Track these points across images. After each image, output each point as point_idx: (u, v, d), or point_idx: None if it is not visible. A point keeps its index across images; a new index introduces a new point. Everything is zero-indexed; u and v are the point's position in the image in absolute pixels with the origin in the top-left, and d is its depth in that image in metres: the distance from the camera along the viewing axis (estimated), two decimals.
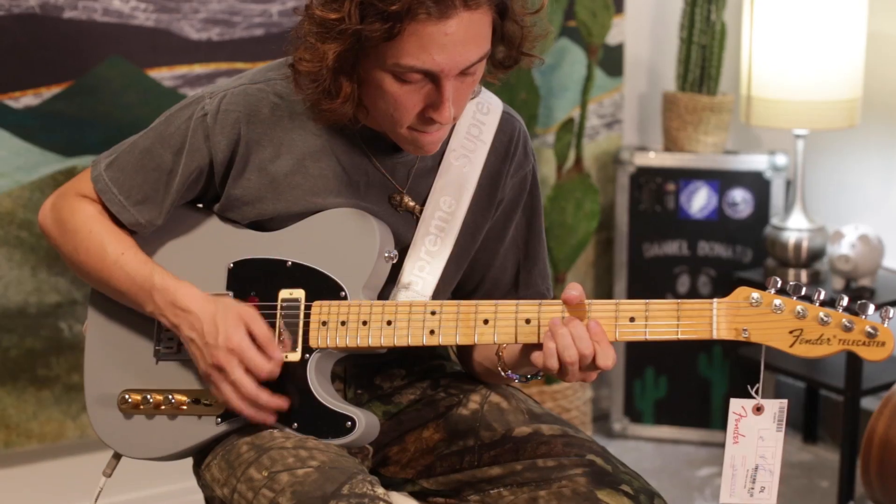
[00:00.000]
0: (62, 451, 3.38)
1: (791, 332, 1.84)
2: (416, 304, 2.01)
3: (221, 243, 2.14)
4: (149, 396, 2.13)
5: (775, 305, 1.85)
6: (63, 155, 3.20)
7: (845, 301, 1.83)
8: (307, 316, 2.05)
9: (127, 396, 2.14)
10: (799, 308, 1.84)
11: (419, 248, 2.12)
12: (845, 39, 3.52)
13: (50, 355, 3.29)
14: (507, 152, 2.19)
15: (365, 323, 2.01)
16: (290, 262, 2.09)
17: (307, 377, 2.03)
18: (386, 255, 2.06)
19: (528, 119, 3.73)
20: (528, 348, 1.97)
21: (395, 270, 2.11)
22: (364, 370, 2.19)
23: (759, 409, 1.94)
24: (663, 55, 4.24)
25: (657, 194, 4.02)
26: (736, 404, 1.95)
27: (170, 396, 2.11)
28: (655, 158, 4.02)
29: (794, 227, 3.70)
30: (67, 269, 3.19)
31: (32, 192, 3.18)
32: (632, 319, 1.91)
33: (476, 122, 2.15)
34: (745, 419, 1.95)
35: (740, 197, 3.96)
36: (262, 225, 2.13)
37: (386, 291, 2.10)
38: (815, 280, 3.71)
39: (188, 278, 2.11)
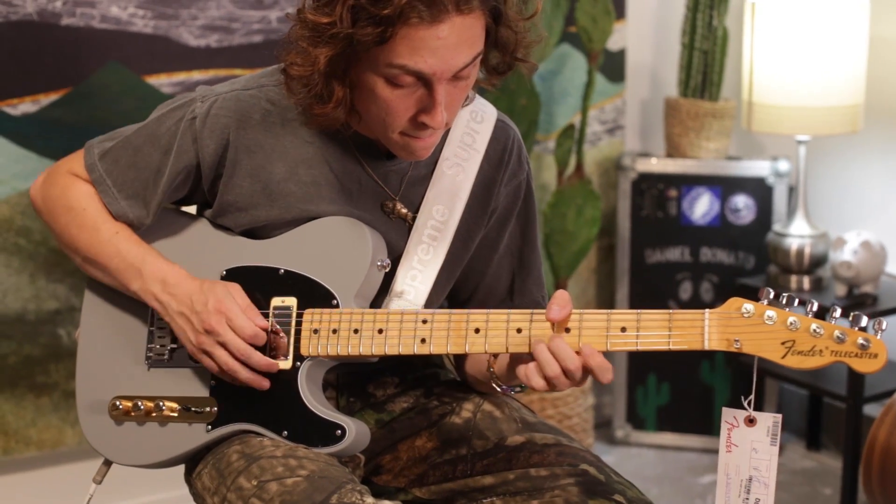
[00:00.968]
0: (61, 458, 3.38)
1: (783, 344, 1.84)
2: (407, 313, 2.00)
3: (214, 251, 2.14)
4: (140, 403, 2.12)
5: (767, 316, 1.84)
6: None
7: (838, 312, 1.82)
8: (299, 324, 2.05)
9: (118, 403, 2.14)
10: (791, 319, 1.83)
11: (412, 257, 2.12)
12: (847, 45, 3.52)
13: (48, 362, 3.29)
14: (500, 160, 2.18)
15: (356, 331, 2.01)
16: (282, 270, 2.08)
17: (298, 385, 2.03)
18: (378, 263, 2.05)
19: (528, 125, 3.73)
20: (516, 362, 1.96)
21: (388, 279, 2.11)
22: (356, 378, 2.18)
23: (751, 421, 1.94)
24: (665, 61, 4.23)
25: (659, 200, 4.01)
26: (728, 414, 1.95)
27: (160, 403, 2.11)
28: (657, 164, 4.01)
29: (797, 234, 3.70)
30: (66, 276, 3.21)
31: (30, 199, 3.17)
32: (623, 330, 1.90)
33: (469, 131, 2.15)
34: (737, 429, 1.95)
35: (742, 203, 3.95)
36: (254, 233, 2.12)
37: (378, 300, 2.10)
38: (818, 287, 3.70)
39: None
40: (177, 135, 2.10)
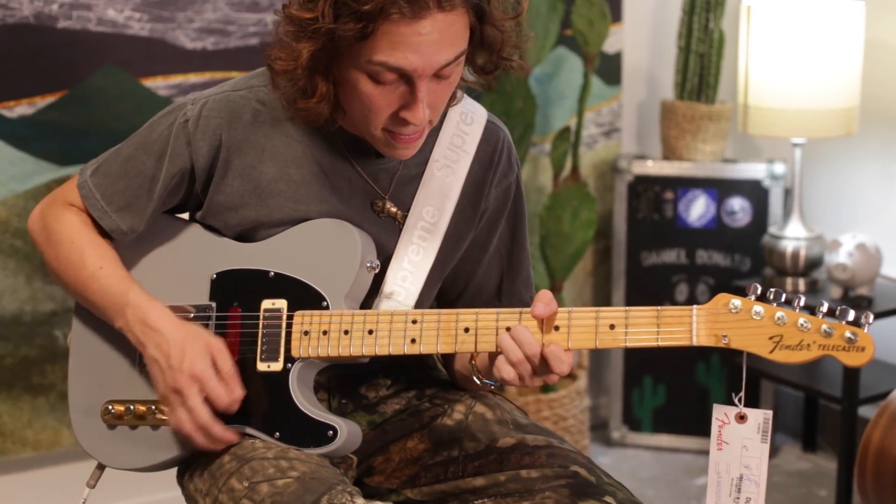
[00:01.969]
0: (57, 459, 3.39)
1: (771, 339, 1.85)
2: (397, 313, 2.01)
3: (204, 254, 2.15)
4: (132, 407, 2.13)
5: (755, 312, 1.85)
6: (57, 164, 3.22)
7: (825, 307, 1.83)
8: (289, 325, 2.05)
9: (110, 407, 2.14)
10: (779, 314, 1.84)
11: (402, 258, 2.13)
12: (842, 48, 3.53)
13: (45, 363, 3.30)
14: (490, 161, 2.19)
15: (347, 332, 2.02)
16: (272, 273, 2.09)
17: (289, 386, 2.03)
18: (368, 264, 2.06)
19: (524, 128, 3.73)
20: (496, 355, 1.97)
21: (378, 280, 2.11)
22: (348, 380, 2.19)
23: (742, 418, 1.95)
24: (661, 64, 4.24)
25: (655, 203, 4.02)
26: (719, 410, 1.95)
27: (153, 407, 2.11)
28: (653, 167, 4.02)
29: (792, 236, 3.70)
30: None
31: (27, 201, 3.19)
32: (612, 327, 1.91)
33: (459, 133, 2.16)
34: (728, 426, 1.95)
35: (738, 205, 3.96)
36: (244, 234, 2.13)
37: (368, 301, 2.10)
38: (813, 289, 3.71)
39: (171, 289, 2.13)
40: (169, 139, 2.10)
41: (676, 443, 4.12)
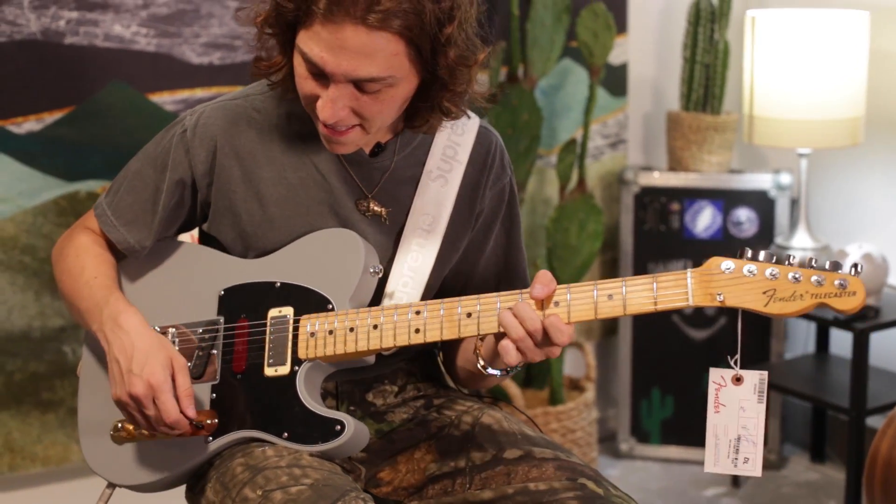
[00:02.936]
0: (66, 474, 3.39)
1: (764, 293, 1.88)
2: (401, 307, 2.05)
3: (212, 272, 2.19)
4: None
5: (748, 270, 1.89)
6: (65, 180, 3.22)
7: (815, 261, 1.87)
8: (296, 330, 2.09)
9: (119, 425, 2.15)
10: (770, 270, 1.88)
11: (402, 265, 2.17)
12: (847, 58, 3.54)
13: (54, 379, 3.30)
14: (484, 163, 2.24)
15: (352, 329, 2.05)
16: (278, 283, 2.13)
17: (297, 387, 2.06)
18: (372, 270, 2.11)
19: (530, 140, 3.75)
20: (499, 339, 2.00)
21: (379, 288, 2.16)
22: (356, 386, 2.21)
23: (738, 380, 1.99)
24: (667, 75, 4.25)
25: (662, 214, 4.03)
26: (715, 374, 2.00)
27: None
28: (660, 178, 4.03)
29: (799, 246, 3.71)
30: None
31: (35, 217, 3.20)
32: (610, 297, 1.95)
33: (451, 144, 2.21)
34: (724, 388, 1.99)
35: (745, 216, 3.97)
36: (245, 240, 2.18)
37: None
38: None
39: (181, 307, 2.17)
40: (170, 150, 2.17)
41: (685, 454, 4.12)
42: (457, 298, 2.02)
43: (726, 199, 3.98)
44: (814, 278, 1.85)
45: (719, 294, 1.90)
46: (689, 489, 3.94)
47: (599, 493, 2.05)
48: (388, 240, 2.18)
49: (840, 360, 3.88)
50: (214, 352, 2.13)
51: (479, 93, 2.11)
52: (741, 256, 1.90)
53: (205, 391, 2.13)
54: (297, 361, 2.07)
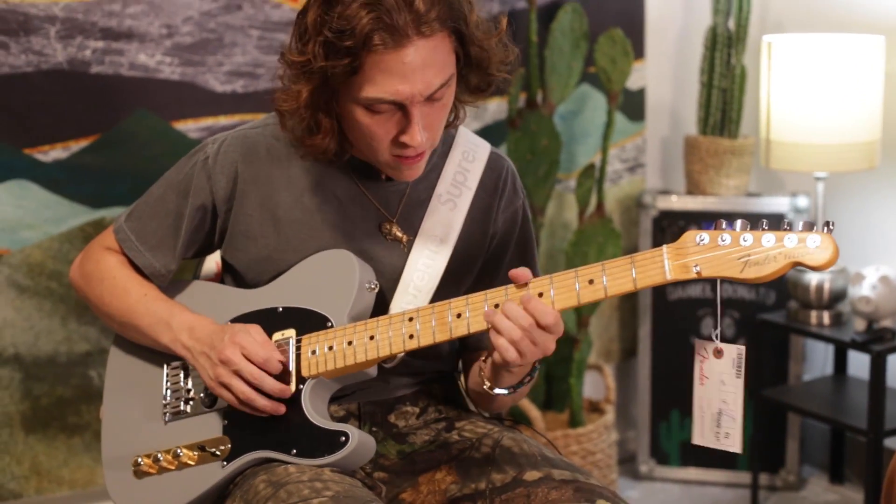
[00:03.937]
0: (92, 497, 3.41)
1: (739, 259, 1.90)
2: (394, 316, 2.11)
3: (218, 305, 2.27)
4: (159, 455, 2.24)
5: (721, 239, 1.91)
6: (91, 207, 3.26)
7: (787, 224, 1.90)
8: (298, 348, 2.15)
9: (139, 460, 2.26)
10: (744, 236, 1.90)
11: (408, 284, 2.23)
12: (863, 82, 3.55)
13: (80, 403, 3.34)
14: (496, 188, 2.31)
15: (350, 343, 2.12)
16: (280, 308, 2.20)
17: (302, 405, 2.13)
18: (367, 285, 2.18)
19: (550, 165, 3.78)
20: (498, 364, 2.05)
21: (385, 306, 2.21)
22: (378, 408, 2.27)
23: (719, 353, 2.04)
24: (684, 99, 4.27)
25: (679, 237, 4.02)
26: (699, 346, 2.05)
27: (178, 451, 2.21)
28: (678, 202, 4.05)
29: None
30: (96, 319, 3.25)
31: (62, 244, 3.24)
32: (591, 282, 1.98)
33: (461, 170, 2.28)
34: (707, 361, 2.05)
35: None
36: (262, 264, 2.24)
37: None
38: (838, 321, 3.73)
39: None
40: (192, 177, 2.24)
41: (704, 476, 4.13)
42: (447, 301, 2.07)
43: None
44: (786, 238, 1.88)
45: (696, 266, 1.92)
46: None
47: None
48: (401, 261, 2.24)
49: (858, 382, 3.88)
50: None
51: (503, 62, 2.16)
52: (716, 229, 1.92)
53: (217, 418, 2.21)
54: (301, 380, 2.14)
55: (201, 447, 2.19)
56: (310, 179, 2.22)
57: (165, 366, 2.30)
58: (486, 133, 3.76)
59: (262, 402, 2.11)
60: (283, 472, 2.07)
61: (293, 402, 2.13)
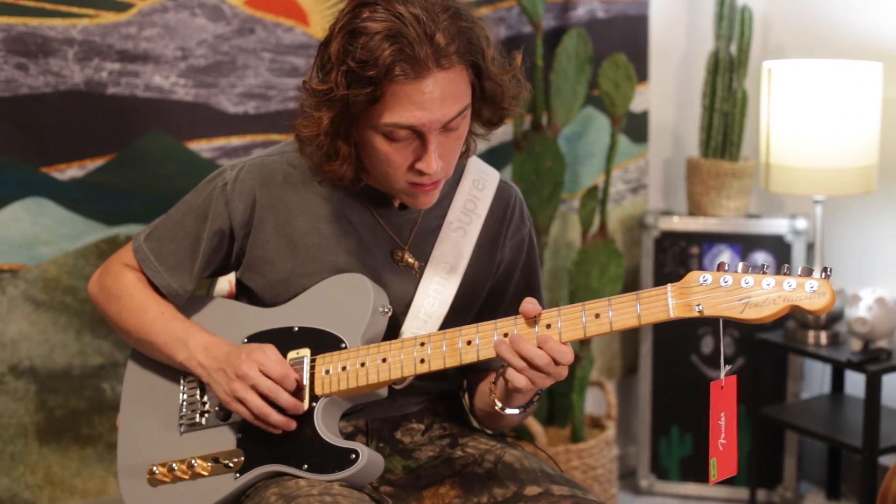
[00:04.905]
0: None
1: (740, 300, 1.97)
2: (406, 340, 2.18)
3: (235, 322, 2.34)
4: (173, 465, 2.30)
5: (724, 280, 1.98)
6: (106, 224, 3.30)
7: (787, 269, 1.96)
8: (312, 368, 2.22)
9: (154, 469, 2.31)
10: (745, 279, 1.97)
11: (418, 310, 2.30)
12: (861, 108, 3.57)
13: (93, 415, 3.37)
14: (504, 216, 2.38)
15: (363, 364, 2.18)
16: (296, 328, 2.27)
17: (315, 422, 2.19)
18: (381, 309, 2.24)
19: (554, 186, 3.83)
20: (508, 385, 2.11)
21: (396, 331, 2.28)
22: (385, 424, 2.34)
23: (722, 389, 2.09)
24: (687, 122, 4.32)
25: (681, 257, 4.10)
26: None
27: (192, 461, 2.28)
28: (679, 222, 4.10)
29: None
30: (110, 333, 3.31)
31: (77, 260, 3.27)
32: (597, 316, 2.05)
33: (472, 198, 2.35)
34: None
35: (762, 260, 4.02)
36: (279, 287, 2.30)
37: None
38: (835, 341, 3.77)
39: None
40: (211, 202, 2.31)
41: (703, 491, 4.17)
42: (457, 329, 2.13)
43: (744, 244, 4.04)
44: (786, 283, 1.94)
45: (698, 305, 1.99)
46: None
47: None
48: (412, 287, 2.30)
49: (855, 401, 3.92)
50: None
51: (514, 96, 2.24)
52: (719, 270, 1.98)
53: (231, 431, 2.27)
54: (314, 398, 2.20)
55: (215, 459, 2.25)
56: (325, 206, 2.29)
57: (182, 378, 2.36)
58: (492, 154, 3.82)
59: (276, 416, 2.17)
60: (294, 486, 2.14)
61: (306, 418, 2.19)
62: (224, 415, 2.29)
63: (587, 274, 3.94)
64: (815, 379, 4.21)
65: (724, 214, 4.06)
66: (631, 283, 4.22)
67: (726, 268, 1.98)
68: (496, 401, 2.21)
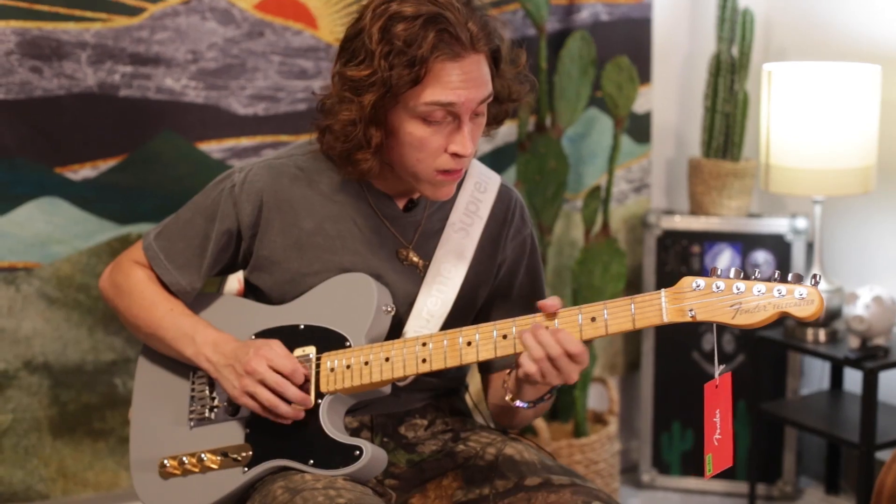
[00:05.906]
0: (116, 499, 3.49)
1: (731, 306, 2.02)
2: (409, 340, 2.23)
3: (243, 319, 2.39)
4: (184, 458, 2.35)
5: (716, 286, 2.03)
6: (118, 223, 3.35)
7: (777, 275, 2.00)
8: (318, 366, 2.27)
9: (165, 462, 2.37)
10: (737, 285, 2.02)
11: (421, 309, 2.35)
12: (860, 109, 3.59)
13: (105, 409, 3.42)
14: (504, 218, 2.43)
15: (367, 363, 2.23)
16: (302, 326, 2.33)
17: (320, 418, 2.25)
18: (384, 308, 2.29)
19: (557, 186, 3.86)
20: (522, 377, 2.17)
21: (399, 330, 2.33)
22: (389, 419, 2.39)
23: (716, 388, 2.16)
24: (689, 123, 4.34)
25: (683, 256, 4.13)
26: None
27: (202, 455, 2.34)
28: (681, 222, 4.13)
29: None
30: (122, 329, 3.36)
31: (90, 258, 3.32)
32: (593, 320, 2.11)
33: (474, 200, 2.41)
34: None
35: (762, 258, 4.05)
36: (286, 286, 2.36)
37: None
38: (833, 339, 3.79)
39: None
40: (219, 203, 2.36)
41: (704, 485, 4.21)
42: (458, 329, 2.19)
43: (745, 243, 4.07)
44: (776, 290, 1.99)
45: (691, 310, 2.04)
46: None
47: None
48: (415, 287, 2.36)
49: (853, 397, 3.95)
50: None
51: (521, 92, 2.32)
52: (712, 275, 2.03)
53: (240, 426, 2.33)
54: (319, 395, 2.26)
55: (224, 453, 2.31)
56: (331, 208, 2.34)
57: (191, 373, 2.41)
58: (496, 155, 3.87)
59: (285, 407, 2.22)
60: (300, 480, 2.20)
61: (311, 415, 2.25)
62: (233, 410, 2.34)
63: (590, 272, 3.97)
64: (815, 375, 4.24)
65: (726, 214, 4.09)
66: (633, 282, 4.25)
67: (719, 273, 2.02)
68: (508, 392, 2.26)
